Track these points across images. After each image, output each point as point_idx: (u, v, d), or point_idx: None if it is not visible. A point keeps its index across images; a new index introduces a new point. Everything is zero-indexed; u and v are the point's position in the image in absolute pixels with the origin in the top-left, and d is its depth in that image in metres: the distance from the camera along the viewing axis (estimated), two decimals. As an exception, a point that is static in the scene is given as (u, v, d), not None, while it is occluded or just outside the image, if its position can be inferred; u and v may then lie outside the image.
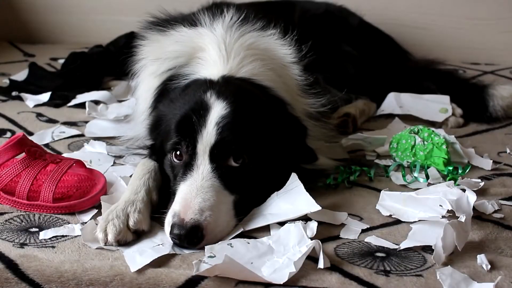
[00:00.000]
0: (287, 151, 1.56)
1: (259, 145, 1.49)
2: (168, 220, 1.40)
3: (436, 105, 2.17)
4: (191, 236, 1.36)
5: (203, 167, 1.45)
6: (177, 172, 1.49)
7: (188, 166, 1.46)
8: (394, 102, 2.19)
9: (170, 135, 1.51)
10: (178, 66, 1.70)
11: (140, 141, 1.76)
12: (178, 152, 1.50)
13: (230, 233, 1.42)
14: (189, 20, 1.83)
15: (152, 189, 1.53)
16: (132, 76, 1.90)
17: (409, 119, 2.14)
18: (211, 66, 1.66)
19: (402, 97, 2.21)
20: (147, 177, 1.54)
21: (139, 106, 1.84)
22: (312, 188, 1.65)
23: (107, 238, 1.36)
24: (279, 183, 1.52)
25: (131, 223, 1.39)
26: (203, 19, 1.78)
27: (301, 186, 1.48)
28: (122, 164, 1.78)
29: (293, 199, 1.47)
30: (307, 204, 1.45)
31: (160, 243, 1.37)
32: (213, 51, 1.67)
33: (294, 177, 1.51)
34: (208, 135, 1.45)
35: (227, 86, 1.55)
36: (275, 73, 1.70)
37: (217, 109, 1.47)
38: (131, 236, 1.39)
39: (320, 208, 1.44)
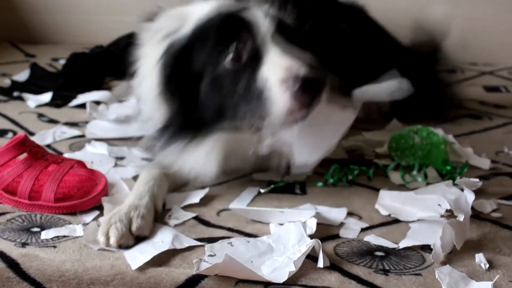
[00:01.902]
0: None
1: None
2: (276, 90, 1.37)
3: (393, 87, 2.13)
4: (313, 87, 1.35)
5: (274, 48, 1.43)
6: (241, 78, 1.44)
7: (256, 60, 1.43)
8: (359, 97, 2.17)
9: (215, 49, 1.46)
10: (175, 28, 1.59)
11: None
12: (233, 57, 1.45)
13: None
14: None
15: (157, 196, 1.52)
16: (133, 72, 1.78)
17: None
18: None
19: (363, 90, 2.17)
20: (152, 184, 1.53)
21: (144, 88, 1.66)
22: (312, 188, 1.67)
23: (108, 242, 1.36)
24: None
25: (133, 228, 1.39)
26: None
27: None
28: (123, 166, 1.79)
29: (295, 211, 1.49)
30: (307, 212, 1.46)
31: (159, 241, 1.38)
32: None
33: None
34: (268, 24, 1.44)
35: None
36: None
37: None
38: (133, 240, 1.38)
39: (316, 211, 1.45)
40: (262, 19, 1.45)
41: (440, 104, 2.21)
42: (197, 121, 1.54)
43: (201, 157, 1.57)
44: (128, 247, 1.37)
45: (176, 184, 1.64)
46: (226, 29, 1.47)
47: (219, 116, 1.51)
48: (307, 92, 1.36)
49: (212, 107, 1.51)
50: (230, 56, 1.46)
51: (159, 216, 1.49)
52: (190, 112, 1.53)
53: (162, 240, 1.38)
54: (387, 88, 2.11)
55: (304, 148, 1.44)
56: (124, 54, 1.94)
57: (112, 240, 1.36)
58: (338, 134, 1.48)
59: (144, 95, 1.66)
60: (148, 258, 1.30)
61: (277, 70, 1.40)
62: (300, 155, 1.44)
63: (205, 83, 1.50)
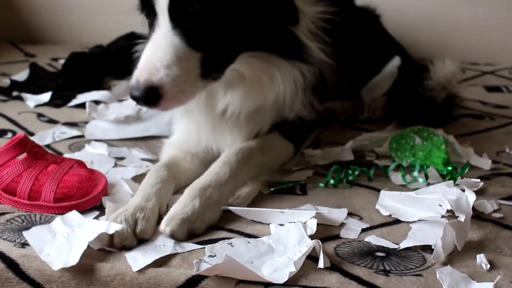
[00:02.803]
0: (264, 4, 1.48)
1: None
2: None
3: (391, 71, 2.16)
4: (147, 97, 1.35)
5: (163, 25, 1.41)
6: (148, 36, 1.47)
7: (152, 26, 1.43)
8: (366, 96, 2.18)
9: None
10: None
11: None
12: (145, 13, 1.47)
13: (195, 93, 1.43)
14: None
15: (163, 200, 1.51)
16: None
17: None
18: None
19: (367, 88, 2.19)
20: (159, 187, 1.52)
21: None
22: (313, 189, 1.66)
23: (112, 242, 1.35)
24: (254, 40, 1.48)
25: (138, 230, 1.38)
26: None
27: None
28: (123, 166, 1.78)
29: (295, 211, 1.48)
30: (308, 212, 1.46)
31: (161, 244, 1.37)
32: None
33: None
34: None
35: None
36: None
37: None
38: (135, 242, 1.38)
39: (317, 212, 1.44)
40: None
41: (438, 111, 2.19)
42: None
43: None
44: (130, 248, 1.36)
45: (179, 187, 1.64)
46: None
47: None
48: (137, 99, 1.38)
49: None
50: (144, 16, 1.47)
51: (160, 218, 1.48)
52: None
53: (164, 244, 1.38)
54: (387, 72, 2.13)
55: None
56: (124, 54, 1.95)
57: (116, 240, 1.35)
58: None
59: None
60: (149, 260, 1.30)
61: (141, 60, 1.40)
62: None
63: None
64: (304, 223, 1.41)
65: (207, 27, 1.42)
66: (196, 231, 1.42)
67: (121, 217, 1.40)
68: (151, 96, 1.35)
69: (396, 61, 2.16)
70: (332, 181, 1.67)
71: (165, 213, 1.48)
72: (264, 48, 1.56)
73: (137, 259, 1.31)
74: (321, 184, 1.67)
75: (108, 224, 1.35)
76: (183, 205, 1.45)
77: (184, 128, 1.73)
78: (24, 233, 1.38)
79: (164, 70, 1.37)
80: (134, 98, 1.38)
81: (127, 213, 1.41)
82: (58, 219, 1.41)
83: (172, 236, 1.39)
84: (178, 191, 1.63)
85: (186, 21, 1.41)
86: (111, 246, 1.36)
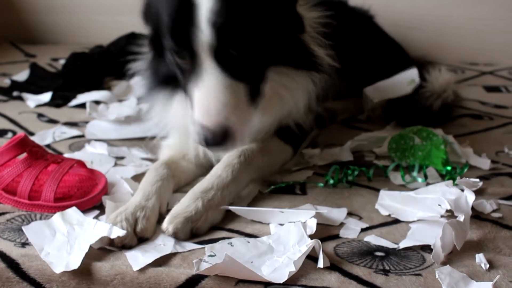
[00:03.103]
0: (277, 19, 1.51)
1: (254, 24, 1.46)
2: (196, 130, 1.42)
3: (405, 80, 2.16)
4: (221, 140, 1.39)
5: (210, 69, 1.43)
6: (185, 73, 1.48)
7: (195, 69, 1.44)
8: (371, 95, 2.18)
9: (166, 37, 1.47)
10: None
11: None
12: (180, 55, 1.47)
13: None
14: None
15: (163, 198, 1.51)
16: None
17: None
18: None
19: (375, 87, 2.19)
20: (159, 185, 1.53)
21: None
22: (312, 189, 1.67)
23: (111, 242, 1.36)
24: (275, 55, 1.53)
25: (138, 229, 1.39)
26: None
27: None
28: (123, 165, 1.79)
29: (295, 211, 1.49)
30: (308, 212, 1.46)
31: (161, 243, 1.38)
32: None
33: None
34: (205, 37, 1.41)
35: None
36: None
37: (205, 3, 1.41)
38: (136, 241, 1.38)
39: (317, 211, 1.45)
40: (205, 28, 1.41)
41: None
42: (170, 77, 1.57)
43: (175, 108, 1.64)
44: (130, 247, 1.36)
45: (179, 185, 1.64)
46: (176, 33, 1.45)
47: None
48: (213, 144, 1.41)
49: (174, 70, 1.54)
50: (177, 58, 1.47)
51: (161, 217, 1.48)
52: (158, 53, 1.57)
53: (164, 243, 1.38)
54: (397, 81, 2.13)
55: None
56: (124, 54, 1.95)
57: (117, 240, 1.35)
58: None
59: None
60: (150, 260, 1.30)
61: (198, 106, 1.42)
62: None
63: (166, 54, 1.53)
64: (304, 223, 1.41)
65: (246, 58, 1.45)
66: (199, 230, 1.43)
67: (121, 216, 1.40)
68: (224, 139, 1.39)
69: (411, 75, 2.15)
70: (331, 181, 1.68)
71: (165, 211, 1.49)
72: (282, 62, 1.59)
73: (138, 259, 1.31)
74: (321, 184, 1.67)
75: (110, 228, 1.36)
76: (186, 205, 1.45)
77: (181, 133, 1.73)
78: (24, 228, 1.38)
79: (227, 110, 1.40)
80: (208, 144, 1.40)
81: (127, 212, 1.41)
82: (57, 216, 1.42)
83: (175, 234, 1.40)
84: (178, 189, 1.63)
85: (229, 59, 1.44)
86: (112, 245, 1.36)
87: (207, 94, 1.41)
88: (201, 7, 1.41)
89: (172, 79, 1.58)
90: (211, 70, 1.43)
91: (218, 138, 1.39)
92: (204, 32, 1.40)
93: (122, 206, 1.45)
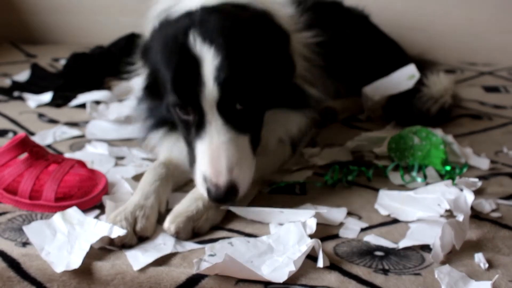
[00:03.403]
0: (274, 67, 1.53)
1: (256, 76, 1.48)
2: (200, 182, 1.45)
3: (404, 76, 2.17)
4: (229, 196, 1.41)
5: (215, 122, 1.44)
6: (187, 126, 1.49)
7: (199, 123, 1.46)
8: (370, 94, 2.19)
9: (168, 90, 1.48)
10: (169, 6, 1.65)
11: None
12: (182, 109, 1.48)
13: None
14: None
15: (162, 197, 1.52)
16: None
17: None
18: None
19: (374, 86, 2.20)
20: (158, 184, 1.54)
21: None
22: (312, 188, 1.67)
23: (111, 241, 1.36)
24: (276, 101, 1.57)
25: (138, 228, 1.40)
26: None
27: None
28: (124, 165, 1.79)
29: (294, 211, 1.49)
30: (307, 212, 1.46)
31: (162, 243, 1.38)
32: None
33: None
34: (210, 93, 1.43)
35: (207, 19, 1.48)
36: None
37: (209, 60, 1.43)
38: (136, 240, 1.39)
39: (316, 211, 1.45)
40: (210, 83, 1.43)
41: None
42: (167, 120, 1.60)
43: (171, 144, 1.67)
44: (130, 246, 1.37)
45: (178, 185, 1.64)
46: (180, 87, 1.46)
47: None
48: (222, 201, 1.43)
49: (172, 120, 1.56)
50: (179, 111, 1.49)
51: (162, 217, 1.48)
52: (156, 99, 1.59)
53: (165, 242, 1.38)
54: (396, 78, 2.14)
55: None
56: (124, 54, 1.95)
57: (117, 239, 1.36)
58: None
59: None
60: (150, 259, 1.31)
61: (204, 161, 1.44)
62: None
63: (165, 102, 1.54)
64: (304, 222, 1.42)
65: (249, 110, 1.48)
66: (201, 230, 1.43)
67: (120, 216, 1.40)
68: (232, 194, 1.41)
69: (410, 70, 2.16)
70: (331, 181, 1.68)
71: (165, 211, 1.50)
72: (278, 105, 1.62)
73: (138, 258, 1.31)
74: (319, 184, 1.68)
75: (111, 228, 1.36)
76: (187, 205, 1.47)
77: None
78: (24, 228, 1.38)
79: (235, 166, 1.42)
80: (216, 200, 1.43)
81: (127, 212, 1.42)
82: (58, 215, 1.42)
83: (177, 233, 1.40)
84: (178, 189, 1.64)
85: (233, 112, 1.45)
86: (112, 244, 1.37)
87: (214, 150, 1.43)
88: (206, 63, 1.43)
89: (168, 121, 1.60)
90: (216, 124, 1.45)
91: (227, 194, 1.41)
92: (211, 88, 1.42)
93: (121, 206, 1.46)
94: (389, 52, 2.39)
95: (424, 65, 2.40)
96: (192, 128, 1.48)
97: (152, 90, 1.60)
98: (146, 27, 1.75)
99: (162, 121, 1.63)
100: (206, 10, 1.53)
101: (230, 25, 1.49)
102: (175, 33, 1.49)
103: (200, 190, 1.46)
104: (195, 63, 1.44)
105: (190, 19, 1.50)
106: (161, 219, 1.46)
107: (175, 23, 1.53)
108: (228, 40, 1.45)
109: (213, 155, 1.43)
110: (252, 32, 1.50)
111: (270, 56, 1.51)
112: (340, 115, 2.19)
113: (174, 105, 1.49)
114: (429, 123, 2.01)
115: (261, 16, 1.58)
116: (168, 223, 1.41)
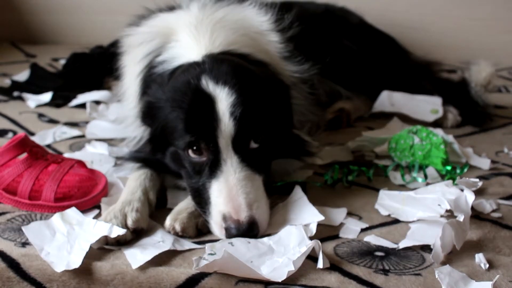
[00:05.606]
0: (279, 113, 1.56)
1: (268, 117, 1.50)
2: (218, 222, 1.41)
3: (427, 106, 2.18)
4: (250, 232, 1.39)
5: (230, 160, 1.44)
6: (200, 168, 1.47)
7: (214, 162, 1.45)
8: (386, 100, 2.20)
9: (179, 132, 1.46)
10: (155, 49, 1.67)
11: (138, 141, 1.70)
12: (195, 149, 1.46)
13: None
14: (171, 6, 1.83)
15: (149, 189, 1.54)
16: (118, 77, 1.89)
17: (407, 119, 2.15)
18: (187, 47, 1.62)
19: (394, 95, 2.21)
20: (143, 178, 1.56)
21: (127, 97, 1.80)
22: (312, 189, 1.67)
23: (106, 239, 1.37)
24: (285, 149, 1.60)
25: (129, 222, 1.40)
26: (183, 2, 1.78)
27: (305, 197, 1.51)
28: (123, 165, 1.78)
29: (297, 210, 1.49)
30: (311, 214, 1.46)
31: (160, 240, 1.38)
32: (185, 32, 1.65)
33: (297, 189, 1.55)
34: (226, 128, 1.43)
35: (217, 67, 1.50)
36: (248, 38, 1.69)
37: (223, 97, 1.44)
38: (130, 235, 1.39)
39: (323, 218, 1.44)
40: (226, 119, 1.43)
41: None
42: (162, 163, 1.57)
43: None
44: (127, 242, 1.37)
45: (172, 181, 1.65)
46: (194, 125, 1.46)
47: (179, 175, 1.55)
48: (242, 236, 1.40)
49: (173, 167, 1.54)
50: (191, 153, 1.47)
51: (160, 215, 1.49)
52: (158, 150, 1.57)
53: (163, 240, 1.38)
54: (422, 106, 2.16)
55: None
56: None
57: (109, 237, 1.36)
58: None
59: (125, 112, 1.78)
60: (149, 257, 1.31)
61: (221, 200, 1.42)
62: None
63: (169, 151, 1.53)
64: (305, 225, 1.42)
65: (262, 149, 1.48)
66: (204, 226, 1.44)
67: (110, 215, 1.42)
68: (252, 230, 1.40)
69: (435, 104, 2.18)
70: (331, 181, 1.68)
71: (155, 201, 1.53)
72: (282, 156, 1.63)
73: (136, 256, 1.31)
74: (318, 184, 1.67)
75: (110, 228, 1.36)
76: (187, 202, 1.48)
77: None
78: (23, 228, 1.38)
79: (253, 203, 1.42)
80: (235, 236, 1.40)
81: (115, 210, 1.43)
82: (57, 216, 1.42)
83: (184, 230, 1.41)
84: (178, 189, 1.63)
85: (247, 150, 1.46)
86: (107, 243, 1.37)
87: (232, 187, 1.43)
88: (221, 101, 1.44)
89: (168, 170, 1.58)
90: (232, 162, 1.44)
91: (248, 230, 1.40)
92: (226, 122, 1.43)
93: (111, 206, 1.47)
94: (389, 52, 2.39)
95: (429, 66, 2.42)
96: (205, 169, 1.46)
97: (155, 142, 1.57)
98: (124, 59, 1.82)
99: (161, 169, 1.60)
100: (214, 58, 1.54)
101: (241, 70, 1.51)
102: (186, 80, 1.49)
103: (215, 233, 1.43)
104: (209, 102, 1.44)
105: (200, 68, 1.50)
106: (161, 219, 1.46)
107: (183, 74, 1.52)
108: (240, 81, 1.46)
109: (231, 192, 1.42)
110: (259, 79, 1.52)
111: (274, 102, 1.53)
112: (353, 115, 2.20)
113: (186, 148, 1.47)
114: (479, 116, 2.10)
115: (265, 68, 1.62)
116: (171, 221, 1.42)
